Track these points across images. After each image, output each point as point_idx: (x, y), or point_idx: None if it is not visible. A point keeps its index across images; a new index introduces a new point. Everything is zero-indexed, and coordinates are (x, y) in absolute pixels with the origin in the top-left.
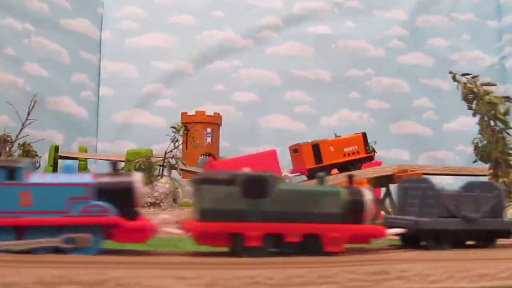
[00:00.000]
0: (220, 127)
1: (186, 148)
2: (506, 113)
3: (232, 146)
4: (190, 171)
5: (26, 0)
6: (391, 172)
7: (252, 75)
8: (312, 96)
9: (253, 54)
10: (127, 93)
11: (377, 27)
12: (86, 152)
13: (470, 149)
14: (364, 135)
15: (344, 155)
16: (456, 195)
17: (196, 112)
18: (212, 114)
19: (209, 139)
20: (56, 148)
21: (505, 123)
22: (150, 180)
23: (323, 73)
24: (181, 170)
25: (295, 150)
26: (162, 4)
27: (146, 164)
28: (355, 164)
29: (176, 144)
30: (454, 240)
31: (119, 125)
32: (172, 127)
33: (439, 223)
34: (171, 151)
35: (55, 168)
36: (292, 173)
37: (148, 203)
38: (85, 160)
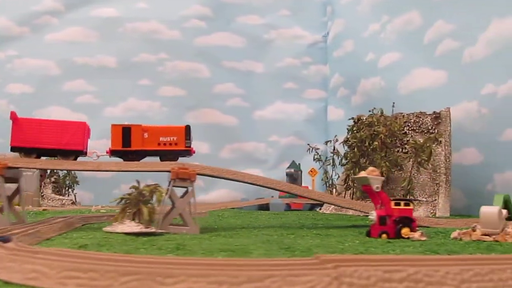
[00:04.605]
0: None
1: None
2: None
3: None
4: None
5: None
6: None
7: (27, 65)
8: (95, 85)
9: (29, 42)
10: None
11: (172, 7)
12: None
13: (286, 140)
14: (188, 127)
15: (159, 144)
16: None
17: None
18: None
19: None
20: None
21: None
22: None
23: (108, 59)
24: None
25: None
26: None
27: None
28: (170, 155)
29: None
30: None
31: None
32: None
33: None
34: None
35: None
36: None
37: None
38: None
